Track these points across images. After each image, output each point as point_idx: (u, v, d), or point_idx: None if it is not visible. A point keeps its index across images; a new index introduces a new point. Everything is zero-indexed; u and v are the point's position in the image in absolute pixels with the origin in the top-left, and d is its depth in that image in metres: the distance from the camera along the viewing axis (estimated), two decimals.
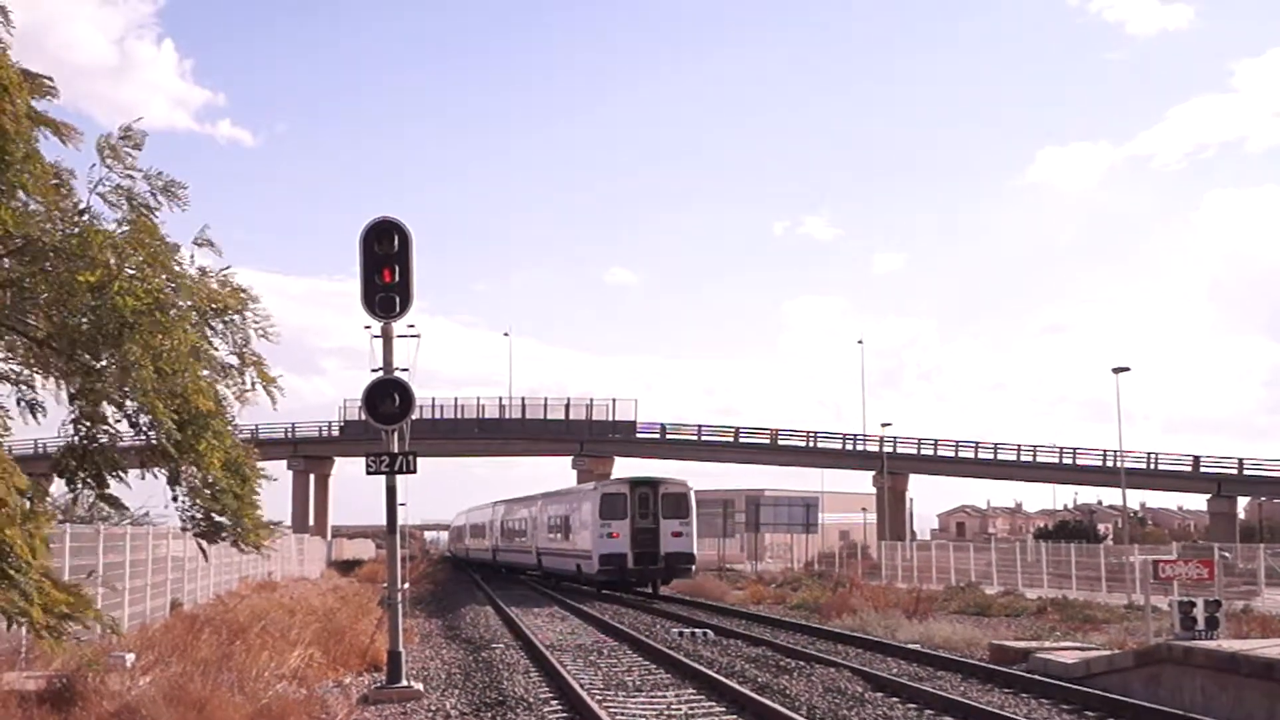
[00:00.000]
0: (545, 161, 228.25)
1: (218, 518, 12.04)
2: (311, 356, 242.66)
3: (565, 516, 55.52)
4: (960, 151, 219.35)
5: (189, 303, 11.36)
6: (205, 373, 11.69)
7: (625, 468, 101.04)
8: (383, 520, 20.12)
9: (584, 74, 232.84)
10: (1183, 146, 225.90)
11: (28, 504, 10.58)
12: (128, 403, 11.11)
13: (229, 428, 11.76)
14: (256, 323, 12.07)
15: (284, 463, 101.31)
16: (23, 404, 11.27)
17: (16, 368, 11.31)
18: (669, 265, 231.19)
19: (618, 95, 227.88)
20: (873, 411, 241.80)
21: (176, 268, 11.26)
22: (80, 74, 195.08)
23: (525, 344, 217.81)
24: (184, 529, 12.74)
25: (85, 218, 10.94)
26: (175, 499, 11.88)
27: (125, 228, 10.95)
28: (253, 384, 12.16)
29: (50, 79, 11.35)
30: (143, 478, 12.09)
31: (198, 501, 11.87)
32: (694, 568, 50.57)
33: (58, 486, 13.46)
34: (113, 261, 10.36)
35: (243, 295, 11.99)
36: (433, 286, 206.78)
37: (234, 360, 12.18)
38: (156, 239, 11.03)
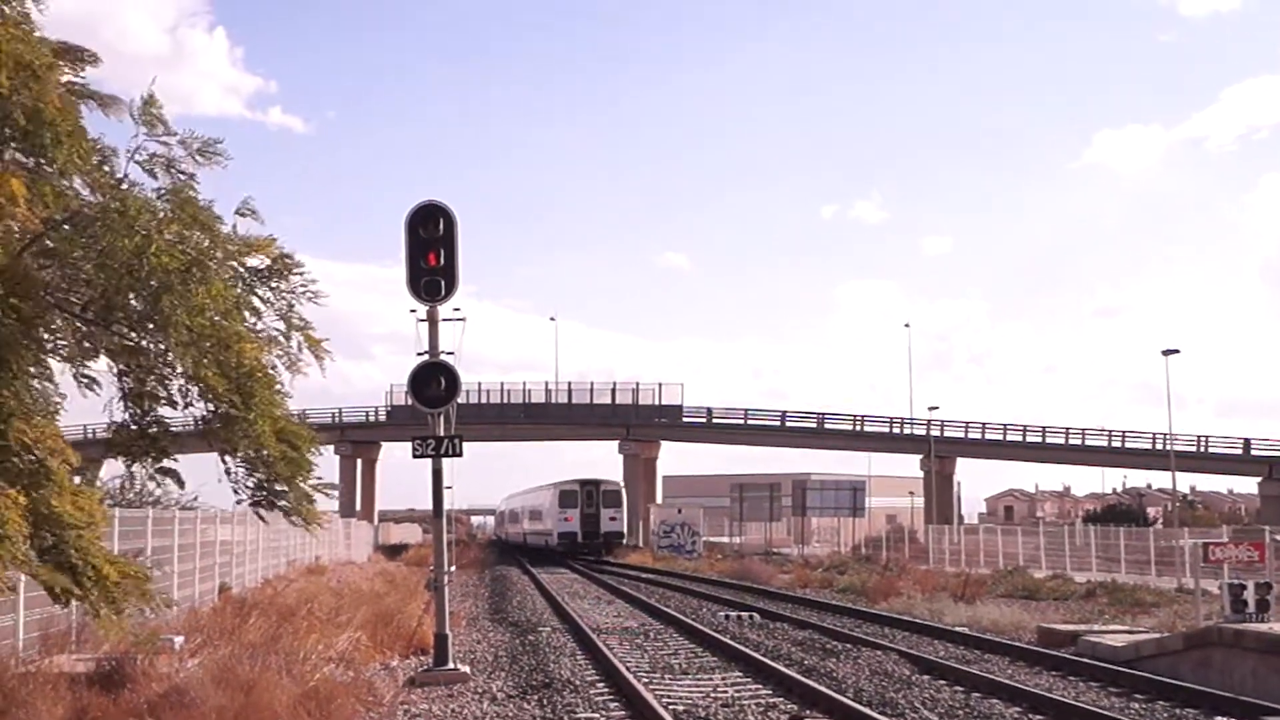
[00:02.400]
0: (595, 147, 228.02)
1: (274, 485, 12.00)
2: (361, 342, 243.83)
3: (538, 507, 78.94)
4: (1013, 134, 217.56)
5: (226, 256, 11.25)
6: (250, 331, 11.59)
7: (671, 451, 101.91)
8: (429, 505, 20.16)
9: (631, 60, 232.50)
10: (1235, 129, 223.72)
11: (78, 480, 10.65)
12: (173, 382, 11.10)
13: (279, 396, 11.70)
14: (302, 287, 11.98)
15: (331, 448, 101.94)
16: (79, 378, 11.31)
17: (65, 345, 11.33)
18: (718, 249, 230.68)
19: (666, 80, 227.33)
20: (922, 395, 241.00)
21: (218, 229, 11.21)
22: (134, 63, 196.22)
23: (573, 328, 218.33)
24: (238, 501, 12.72)
25: (124, 186, 10.94)
26: (228, 472, 11.86)
27: (164, 195, 10.93)
28: (300, 347, 12.05)
29: (93, 53, 11.37)
30: (208, 445, 12.09)
31: (254, 472, 11.83)
32: (624, 542, 72.08)
33: (108, 470, 13.54)
34: (151, 224, 10.33)
35: (287, 260, 11.90)
36: (481, 271, 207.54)
37: (280, 325, 12.07)
38: (194, 203, 11.00)
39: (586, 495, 70.17)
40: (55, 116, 9.74)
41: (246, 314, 11.43)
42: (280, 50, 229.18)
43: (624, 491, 72.92)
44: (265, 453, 11.52)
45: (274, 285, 11.71)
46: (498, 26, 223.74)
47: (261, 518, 13.57)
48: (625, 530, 72.52)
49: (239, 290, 11.33)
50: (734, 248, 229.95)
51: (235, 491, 12.32)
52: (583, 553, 67.10)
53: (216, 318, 10.58)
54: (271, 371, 11.65)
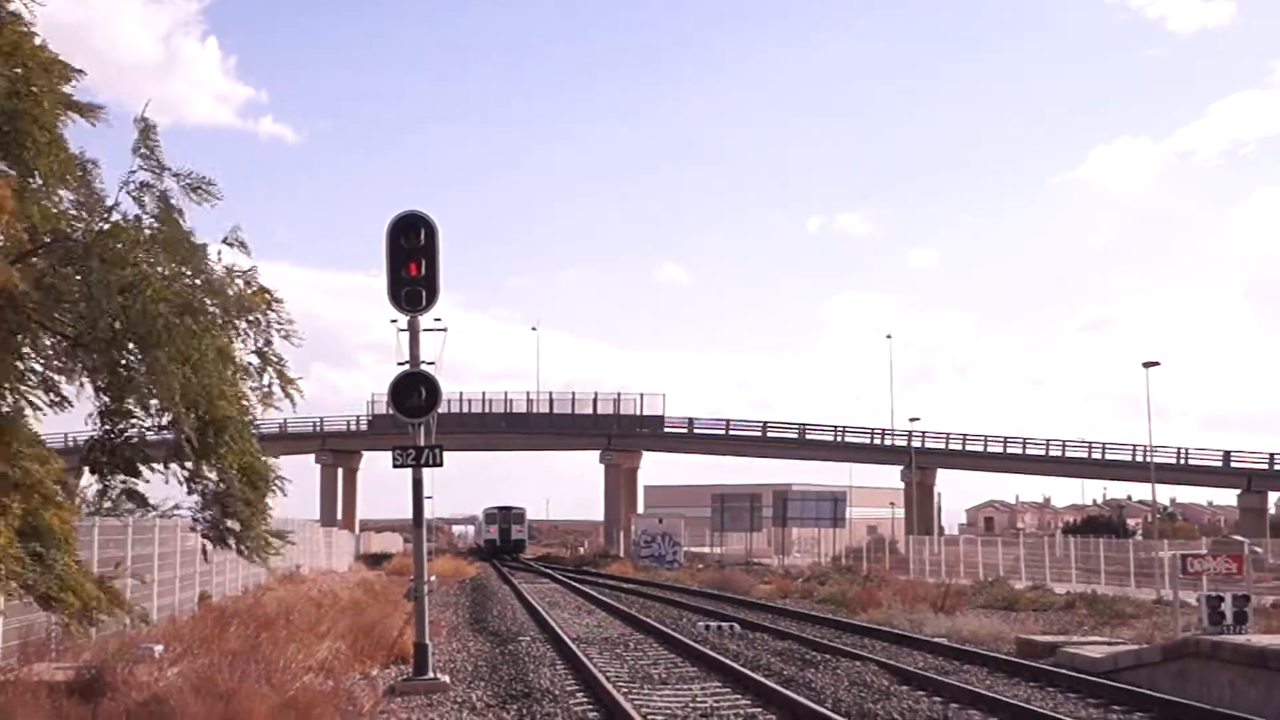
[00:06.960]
0: (585, 160, 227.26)
1: (228, 523, 11.96)
2: (348, 351, 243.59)
3: (479, 522, 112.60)
4: (1001, 149, 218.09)
5: (216, 306, 11.26)
6: (230, 372, 11.59)
7: (653, 461, 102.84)
8: (410, 514, 20.15)
9: (622, 73, 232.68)
10: (1221, 144, 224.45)
11: (59, 490, 10.63)
12: (151, 403, 11.07)
13: (250, 430, 11.69)
14: (279, 325, 11.98)
15: (312, 456, 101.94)
16: (50, 393, 11.27)
17: (40, 367, 11.28)
18: (707, 261, 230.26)
19: (657, 94, 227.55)
20: (907, 407, 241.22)
21: (206, 267, 11.20)
22: (126, 71, 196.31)
23: (559, 339, 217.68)
24: (193, 528, 12.72)
25: (114, 215, 10.92)
26: (191, 494, 11.84)
27: (154, 227, 10.91)
28: (270, 384, 12.04)
29: (79, 70, 11.39)
30: (167, 468, 12.05)
31: (210, 506, 11.82)
32: (525, 549, 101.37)
33: (86, 479, 13.49)
34: (144, 262, 10.34)
35: (267, 295, 11.90)
36: (470, 282, 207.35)
37: (254, 360, 12.06)
38: (185, 240, 10.99)
39: (502, 516, 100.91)
40: (36, 115, 9.72)
41: (225, 356, 11.44)
42: (272, 60, 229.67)
43: (526, 512, 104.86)
44: (226, 488, 11.51)
45: (253, 319, 11.71)
46: (493, 38, 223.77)
47: (206, 556, 13.53)
48: (527, 539, 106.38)
49: (223, 334, 11.34)
50: (725, 260, 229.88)
51: (193, 523, 12.35)
52: (499, 554, 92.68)
53: (205, 375, 10.59)
54: (245, 404, 11.67)
